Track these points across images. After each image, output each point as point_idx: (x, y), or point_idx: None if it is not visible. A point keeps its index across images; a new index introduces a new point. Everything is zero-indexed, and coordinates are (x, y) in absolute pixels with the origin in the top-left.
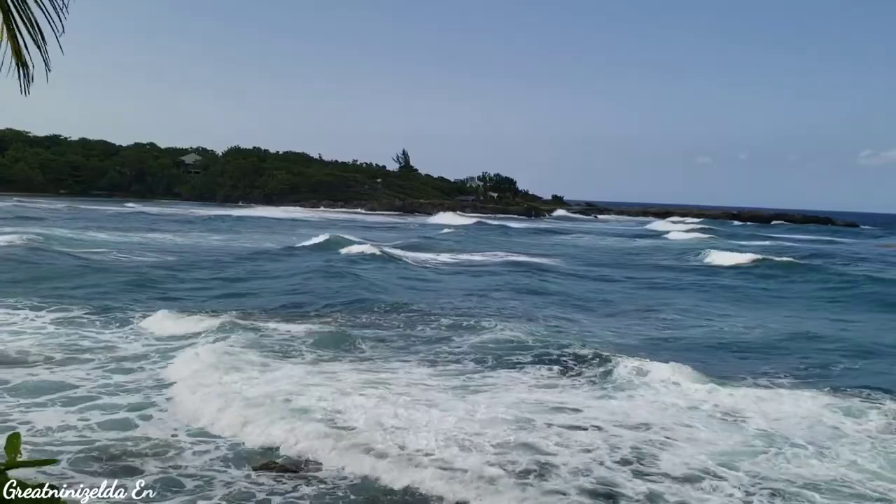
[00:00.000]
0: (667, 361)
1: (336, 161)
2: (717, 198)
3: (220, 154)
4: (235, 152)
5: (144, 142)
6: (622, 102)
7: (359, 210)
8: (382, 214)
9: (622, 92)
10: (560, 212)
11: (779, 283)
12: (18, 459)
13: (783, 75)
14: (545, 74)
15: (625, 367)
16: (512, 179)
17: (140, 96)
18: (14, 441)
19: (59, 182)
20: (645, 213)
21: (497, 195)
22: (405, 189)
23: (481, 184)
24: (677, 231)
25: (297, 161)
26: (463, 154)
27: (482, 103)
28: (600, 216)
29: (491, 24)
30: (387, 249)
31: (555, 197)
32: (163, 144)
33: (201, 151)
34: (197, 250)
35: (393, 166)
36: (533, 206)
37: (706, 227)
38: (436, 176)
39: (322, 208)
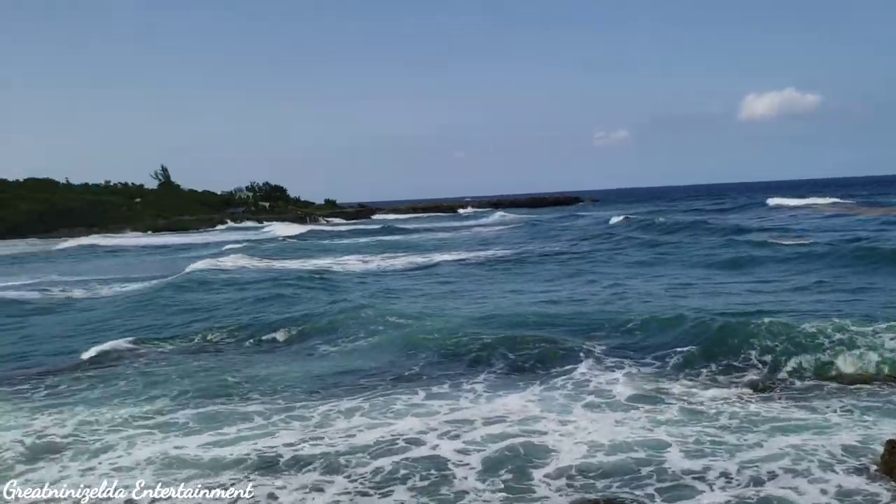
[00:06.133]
0: None
1: (87, 184)
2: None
3: None
4: None
5: None
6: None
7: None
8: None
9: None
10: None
11: None
12: None
13: None
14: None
15: None
16: (282, 187)
17: None
18: None
19: None
20: (414, 209)
21: (269, 204)
22: (168, 206)
23: (250, 194)
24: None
25: (36, 188)
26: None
27: (245, 115)
28: (373, 216)
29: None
30: None
31: (327, 201)
32: None
33: None
34: None
35: (152, 184)
36: (307, 212)
37: None
38: (200, 190)
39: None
